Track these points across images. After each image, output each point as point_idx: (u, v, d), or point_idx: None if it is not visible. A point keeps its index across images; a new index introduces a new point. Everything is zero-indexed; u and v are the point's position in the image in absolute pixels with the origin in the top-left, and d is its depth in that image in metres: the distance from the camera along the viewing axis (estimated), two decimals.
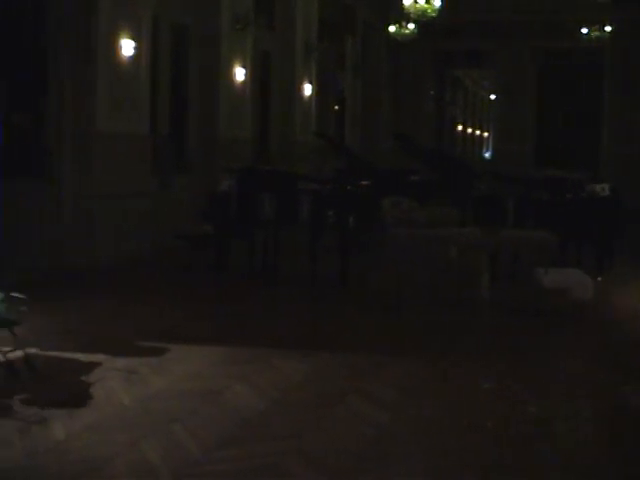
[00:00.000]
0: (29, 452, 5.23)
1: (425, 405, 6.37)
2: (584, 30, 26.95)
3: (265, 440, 5.54)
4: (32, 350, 7.22)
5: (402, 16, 24.29)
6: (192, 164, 15.69)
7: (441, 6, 23.21)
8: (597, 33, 26.68)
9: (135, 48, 12.54)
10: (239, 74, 16.66)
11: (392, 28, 25.63)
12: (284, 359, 7.47)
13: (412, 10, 22.85)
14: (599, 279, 11.17)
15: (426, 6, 22.92)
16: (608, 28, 26.61)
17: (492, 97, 41.20)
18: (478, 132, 51.01)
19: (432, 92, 34.75)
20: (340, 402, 6.36)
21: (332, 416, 6.05)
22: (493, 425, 5.93)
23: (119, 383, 6.69)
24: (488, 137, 51.92)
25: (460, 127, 44.77)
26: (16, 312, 6.78)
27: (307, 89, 20.79)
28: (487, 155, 49.56)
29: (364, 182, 14.14)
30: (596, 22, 26.66)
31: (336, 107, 25.49)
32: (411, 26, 25.22)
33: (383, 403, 6.38)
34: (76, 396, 6.34)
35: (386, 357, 7.69)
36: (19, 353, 6.89)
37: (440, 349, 8.08)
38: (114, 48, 12.21)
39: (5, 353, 6.83)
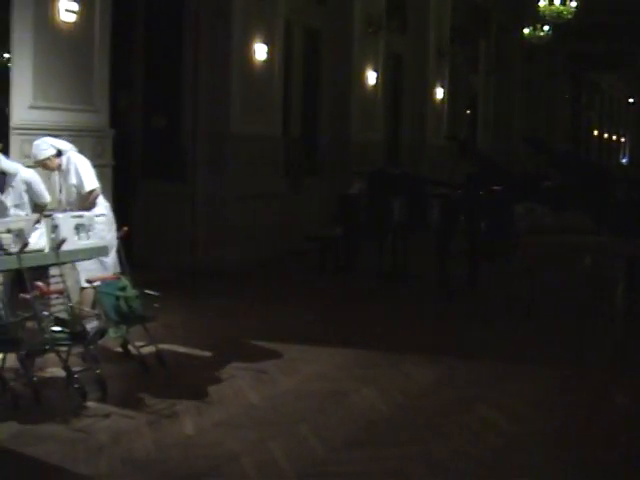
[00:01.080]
0: (159, 445, 5.35)
1: (554, 416, 6.20)
2: None
3: (390, 444, 5.50)
4: (164, 346, 7.40)
5: (537, 18, 23.89)
6: (323, 166, 15.79)
7: (577, 7, 22.72)
8: None
9: (268, 52, 12.70)
10: (371, 77, 16.67)
11: (526, 30, 25.24)
12: (411, 364, 7.41)
13: (547, 12, 22.49)
14: None
15: (562, 8, 22.49)
16: None
17: (630, 101, 40.00)
18: (615, 137, 49.60)
19: (567, 96, 33.99)
20: (467, 410, 6.26)
21: (458, 424, 5.95)
22: (624, 441, 5.72)
23: (248, 382, 6.78)
24: (625, 142, 50.45)
25: (596, 131, 43.62)
26: (150, 309, 6.95)
27: (439, 92, 20.63)
28: (624, 161, 48.19)
29: (496, 187, 13.93)
30: None
31: (468, 111, 25.22)
32: (546, 28, 24.78)
33: (510, 413, 6.23)
34: (205, 393, 6.45)
35: (515, 365, 7.53)
36: (151, 348, 7.06)
37: (571, 359, 7.85)
38: (247, 52, 12.39)
39: (138, 348, 7.02)
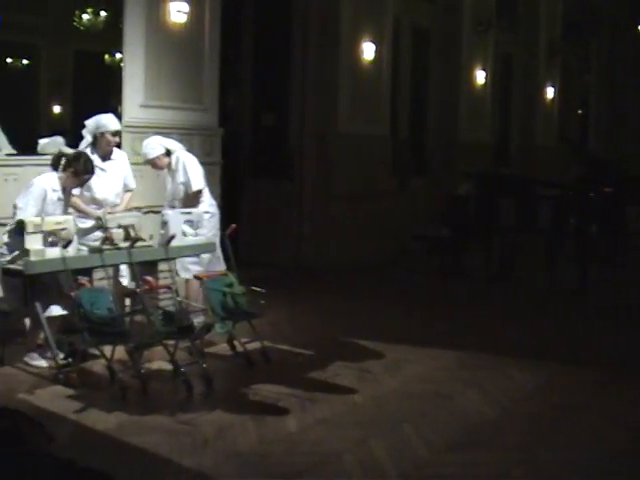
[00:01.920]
0: (263, 440, 5.40)
1: None
2: None
3: (494, 448, 5.41)
4: (269, 343, 7.46)
5: None
6: (430, 166, 15.68)
7: None
8: None
9: (376, 51, 12.67)
10: (480, 76, 16.46)
11: None
12: (517, 367, 7.27)
13: None
14: None
15: None
16: None
17: None
18: None
19: None
20: (572, 416, 6.11)
21: (564, 430, 5.81)
22: None
23: (351, 381, 6.77)
24: None
25: None
26: (256, 305, 7.01)
27: (550, 92, 20.25)
28: None
29: (608, 189, 13.61)
30: None
31: (580, 111, 24.68)
32: None
33: (617, 421, 6.05)
34: (309, 390, 6.47)
35: (623, 373, 7.31)
36: (257, 345, 7.13)
37: None
38: (356, 51, 12.39)
39: (244, 344, 7.10)
